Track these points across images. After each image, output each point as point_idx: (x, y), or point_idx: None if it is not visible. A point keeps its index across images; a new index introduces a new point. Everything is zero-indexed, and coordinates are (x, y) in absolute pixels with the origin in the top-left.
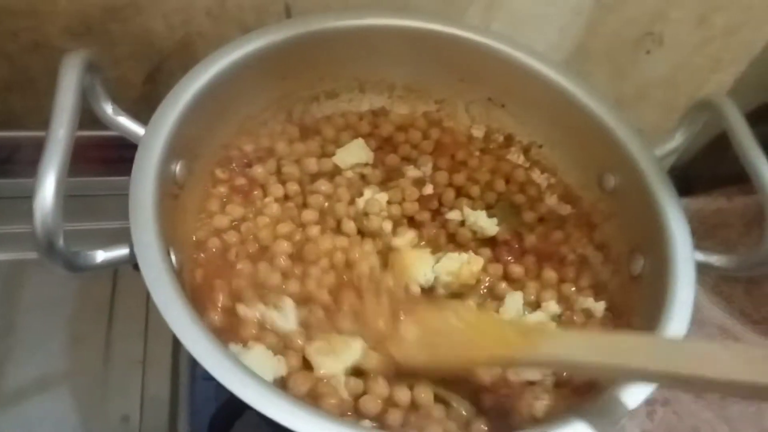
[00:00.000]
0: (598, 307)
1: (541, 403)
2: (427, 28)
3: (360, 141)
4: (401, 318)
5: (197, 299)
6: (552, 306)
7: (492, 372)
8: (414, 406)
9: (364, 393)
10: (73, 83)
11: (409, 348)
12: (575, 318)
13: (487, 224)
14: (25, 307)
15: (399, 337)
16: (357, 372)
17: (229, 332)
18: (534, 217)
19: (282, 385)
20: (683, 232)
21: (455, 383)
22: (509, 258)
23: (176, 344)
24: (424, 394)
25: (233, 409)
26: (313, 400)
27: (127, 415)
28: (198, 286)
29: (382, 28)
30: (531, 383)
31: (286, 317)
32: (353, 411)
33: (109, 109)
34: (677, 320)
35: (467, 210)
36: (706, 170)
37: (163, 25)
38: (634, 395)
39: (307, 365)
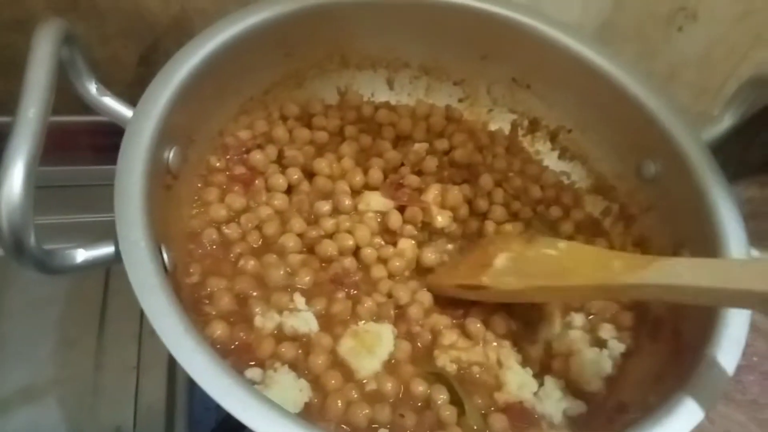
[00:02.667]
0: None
1: None
2: (446, 0)
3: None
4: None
5: (195, 303)
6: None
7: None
8: (427, 403)
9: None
10: (47, 56)
11: (501, 276)
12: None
13: None
14: (8, 308)
15: (492, 266)
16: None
17: (241, 353)
18: (571, 227)
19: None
20: (736, 226)
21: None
22: None
23: None
24: (442, 394)
25: (237, 423)
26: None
27: (120, 426)
28: (195, 286)
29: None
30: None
31: (304, 319)
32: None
33: (92, 88)
34: (733, 326)
35: None
36: (732, 157)
37: None
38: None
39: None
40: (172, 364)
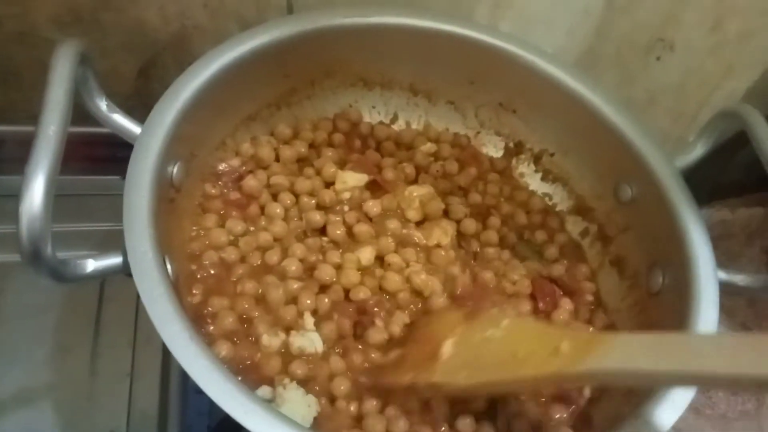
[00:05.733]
0: None
1: None
2: (437, 28)
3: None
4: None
5: (197, 321)
6: None
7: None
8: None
9: None
10: (66, 76)
11: (452, 370)
12: None
13: None
14: (5, 314)
15: (439, 358)
16: None
17: (250, 371)
18: (556, 251)
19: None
20: (705, 249)
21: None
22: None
23: (166, 356)
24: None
25: (230, 428)
26: None
27: (114, 430)
28: (198, 306)
29: (389, 26)
30: None
31: (310, 339)
32: None
33: (103, 105)
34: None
35: None
36: (706, 181)
37: (157, 16)
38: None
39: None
40: (165, 371)
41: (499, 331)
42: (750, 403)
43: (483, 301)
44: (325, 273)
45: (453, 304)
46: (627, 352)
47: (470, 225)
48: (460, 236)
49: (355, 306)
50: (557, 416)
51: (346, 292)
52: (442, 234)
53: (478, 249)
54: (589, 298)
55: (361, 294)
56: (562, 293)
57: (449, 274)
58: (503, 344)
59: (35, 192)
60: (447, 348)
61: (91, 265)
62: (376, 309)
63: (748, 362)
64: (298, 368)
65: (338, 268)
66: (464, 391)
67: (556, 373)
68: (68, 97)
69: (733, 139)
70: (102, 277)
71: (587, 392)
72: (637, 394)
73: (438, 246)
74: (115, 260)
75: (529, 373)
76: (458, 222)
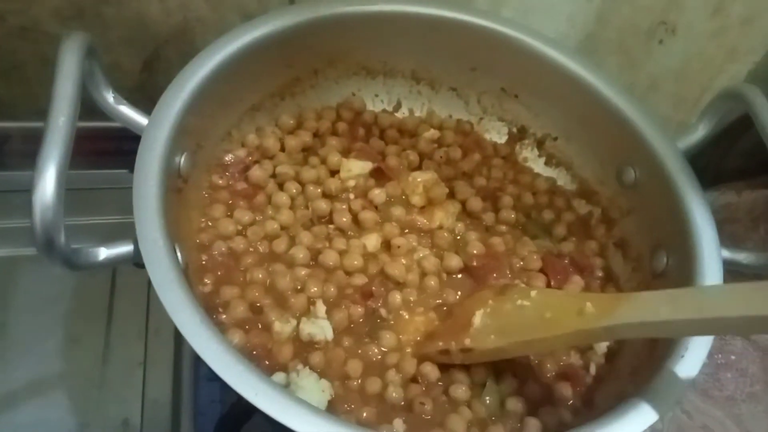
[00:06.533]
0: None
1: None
2: (439, 15)
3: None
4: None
5: (209, 311)
6: None
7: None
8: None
9: None
10: (73, 68)
11: (483, 335)
12: None
13: None
14: (19, 305)
15: (471, 326)
16: None
17: (263, 359)
18: (564, 230)
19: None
20: (709, 229)
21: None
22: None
23: (178, 344)
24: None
25: (241, 412)
26: None
27: (128, 419)
28: (209, 295)
29: (391, 14)
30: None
31: (320, 327)
32: None
33: (110, 97)
34: None
35: None
36: (711, 164)
37: (159, 9)
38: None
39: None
40: (177, 360)
41: (528, 300)
42: (758, 384)
43: (496, 270)
44: (329, 258)
45: (468, 273)
46: (646, 306)
47: (476, 203)
48: (468, 215)
49: (360, 291)
50: (562, 394)
51: (350, 276)
52: (444, 215)
53: (487, 226)
54: (599, 273)
55: (361, 280)
56: (572, 270)
57: (464, 240)
58: (532, 310)
59: (47, 181)
60: (478, 318)
61: (103, 253)
62: (382, 289)
63: (760, 305)
64: (315, 358)
65: (344, 254)
66: (494, 353)
67: (580, 329)
68: (76, 89)
69: (735, 125)
70: (113, 265)
71: (593, 369)
72: (642, 373)
73: (440, 228)
74: (126, 248)
75: (556, 332)
76: (464, 202)
